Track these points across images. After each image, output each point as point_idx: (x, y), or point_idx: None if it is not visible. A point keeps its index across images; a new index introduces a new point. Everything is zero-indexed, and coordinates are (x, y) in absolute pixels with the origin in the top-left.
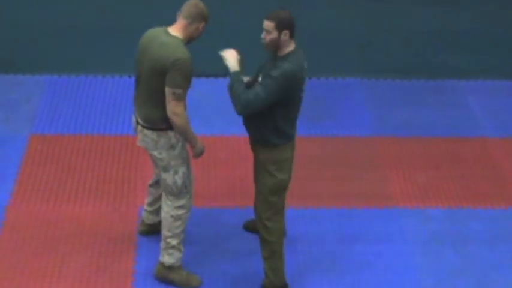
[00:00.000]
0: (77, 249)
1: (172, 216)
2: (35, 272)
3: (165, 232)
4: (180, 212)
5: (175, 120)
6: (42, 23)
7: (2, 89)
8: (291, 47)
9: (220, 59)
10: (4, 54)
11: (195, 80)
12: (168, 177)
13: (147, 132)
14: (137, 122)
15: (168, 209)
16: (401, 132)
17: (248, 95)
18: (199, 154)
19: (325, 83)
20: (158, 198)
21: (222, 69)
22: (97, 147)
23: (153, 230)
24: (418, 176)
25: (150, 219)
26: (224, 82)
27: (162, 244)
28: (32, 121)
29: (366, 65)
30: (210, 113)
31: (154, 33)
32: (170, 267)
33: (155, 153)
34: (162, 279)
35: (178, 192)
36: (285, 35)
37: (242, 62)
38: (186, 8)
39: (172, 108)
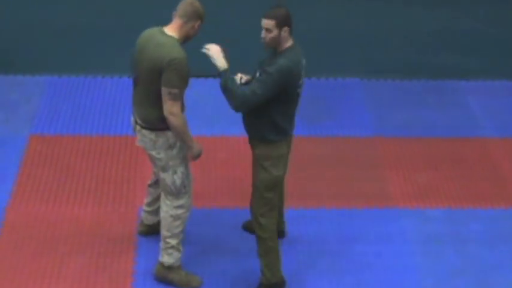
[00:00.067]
0: (76, 249)
1: (171, 216)
2: (34, 272)
3: (164, 232)
4: (179, 211)
5: (172, 120)
6: (42, 23)
7: (2, 89)
8: (289, 42)
9: (205, 57)
10: (4, 55)
11: (194, 81)
12: (166, 177)
13: (146, 132)
14: (136, 122)
15: (167, 208)
16: (401, 132)
17: (244, 91)
18: (196, 156)
19: (325, 83)
20: (157, 199)
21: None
22: (96, 148)
23: (152, 231)
24: (418, 176)
25: (149, 219)
26: None
27: (162, 244)
28: (31, 121)
29: (366, 65)
30: (210, 113)
31: (150, 33)
32: (169, 267)
33: (153, 153)
34: (161, 279)
35: (177, 192)
36: (285, 32)
37: (227, 56)
38: (181, 7)
39: (169, 108)
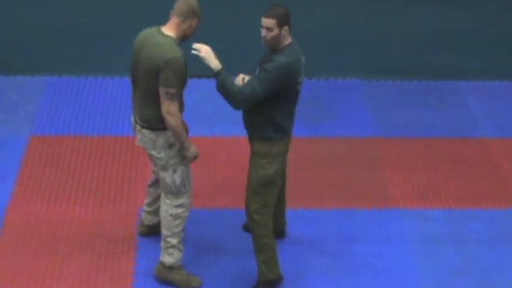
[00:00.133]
0: (77, 249)
1: (171, 215)
2: (35, 272)
3: (164, 231)
4: (179, 210)
5: (169, 119)
6: (42, 23)
7: (2, 90)
8: (288, 40)
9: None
10: (4, 55)
11: (195, 81)
12: (166, 176)
13: (145, 131)
14: (135, 122)
15: (167, 207)
16: (401, 132)
17: (244, 89)
18: (192, 158)
19: (325, 83)
20: (157, 199)
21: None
22: (97, 148)
23: (152, 231)
24: (418, 177)
25: (149, 220)
26: None
27: (162, 244)
28: (32, 122)
29: (366, 65)
30: (210, 113)
31: (148, 33)
32: (170, 267)
33: (153, 152)
34: (162, 279)
35: (177, 191)
36: (285, 30)
37: (217, 55)
38: (177, 6)
39: (166, 107)
